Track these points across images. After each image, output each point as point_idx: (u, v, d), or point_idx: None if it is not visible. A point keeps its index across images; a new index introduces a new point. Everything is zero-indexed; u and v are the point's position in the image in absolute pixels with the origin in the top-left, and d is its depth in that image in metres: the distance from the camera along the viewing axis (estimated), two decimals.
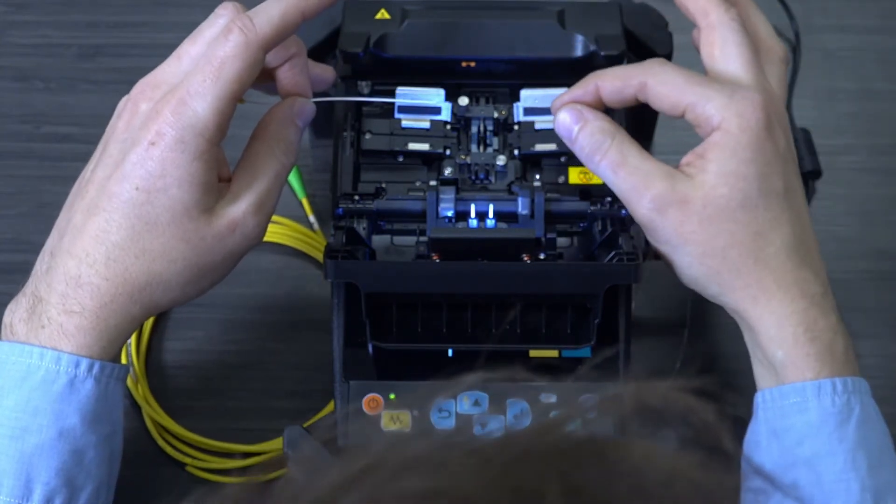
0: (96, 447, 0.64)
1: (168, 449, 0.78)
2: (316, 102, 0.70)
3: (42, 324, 0.64)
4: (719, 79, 0.67)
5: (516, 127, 0.73)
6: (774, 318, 0.65)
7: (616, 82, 0.68)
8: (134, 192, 0.64)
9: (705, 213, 0.65)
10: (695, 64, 0.70)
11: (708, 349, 0.81)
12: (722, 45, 0.68)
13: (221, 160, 0.66)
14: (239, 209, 0.65)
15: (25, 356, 0.64)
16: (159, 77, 0.66)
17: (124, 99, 0.67)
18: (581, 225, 0.72)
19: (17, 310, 0.65)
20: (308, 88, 0.69)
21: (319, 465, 0.47)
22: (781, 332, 0.65)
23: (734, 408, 0.50)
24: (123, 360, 0.79)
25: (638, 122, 0.74)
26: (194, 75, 0.64)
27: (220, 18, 0.66)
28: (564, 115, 0.68)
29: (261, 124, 0.68)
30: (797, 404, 0.65)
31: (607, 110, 0.69)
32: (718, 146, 0.65)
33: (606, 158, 0.66)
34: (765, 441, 0.66)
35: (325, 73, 0.73)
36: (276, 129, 0.68)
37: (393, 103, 0.73)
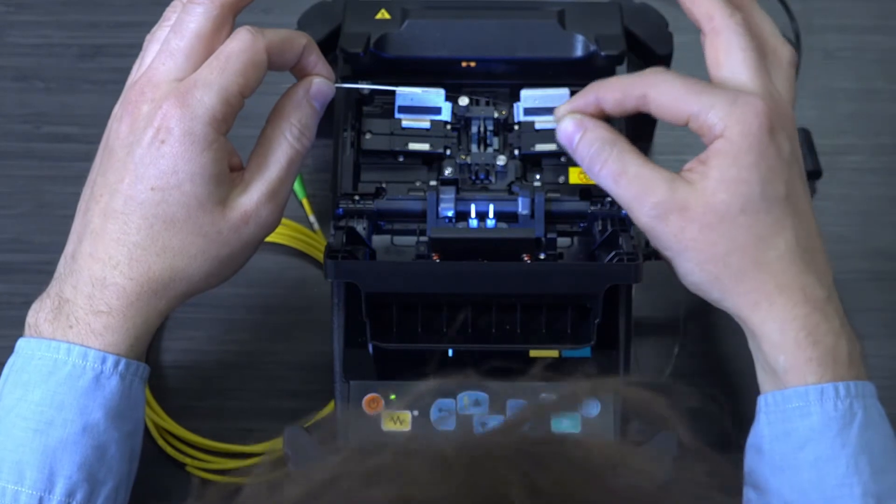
0: (118, 443, 0.65)
1: (168, 449, 0.78)
2: None
3: (70, 324, 0.65)
4: (724, 85, 0.66)
5: (516, 127, 0.73)
6: (776, 323, 0.65)
7: (616, 94, 0.67)
8: (149, 193, 0.64)
9: (706, 219, 0.64)
10: (695, 64, 0.70)
11: (707, 349, 0.81)
12: (727, 51, 0.67)
13: (230, 150, 0.66)
14: (251, 200, 0.66)
15: (52, 351, 0.64)
16: (157, 77, 0.65)
17: (119, 104, 0.67)
18: (581, 225, 0.72)
19: (41, 310, 0.66)
20: (327, 71, 0.69)
21: (279, 482, 0.47)
22: (783, 337, 0.65)
23: (686, 400, 0.50)
24: None
25: (638, 123, 0.73)
26: (201, 70, 0.64)
27: (198, 6, 0.65)
28: (566, 124, 0.67)
29: (275, 107, 0.68)
30: (799, 408, 0.65)
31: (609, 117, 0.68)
32: (720, 153, 0.65)
33: (606, 168, 0.66)
34: (767, 444, 0.66)
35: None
36: (290, 111, 0.67)
37: (393, 103, 0.73)
